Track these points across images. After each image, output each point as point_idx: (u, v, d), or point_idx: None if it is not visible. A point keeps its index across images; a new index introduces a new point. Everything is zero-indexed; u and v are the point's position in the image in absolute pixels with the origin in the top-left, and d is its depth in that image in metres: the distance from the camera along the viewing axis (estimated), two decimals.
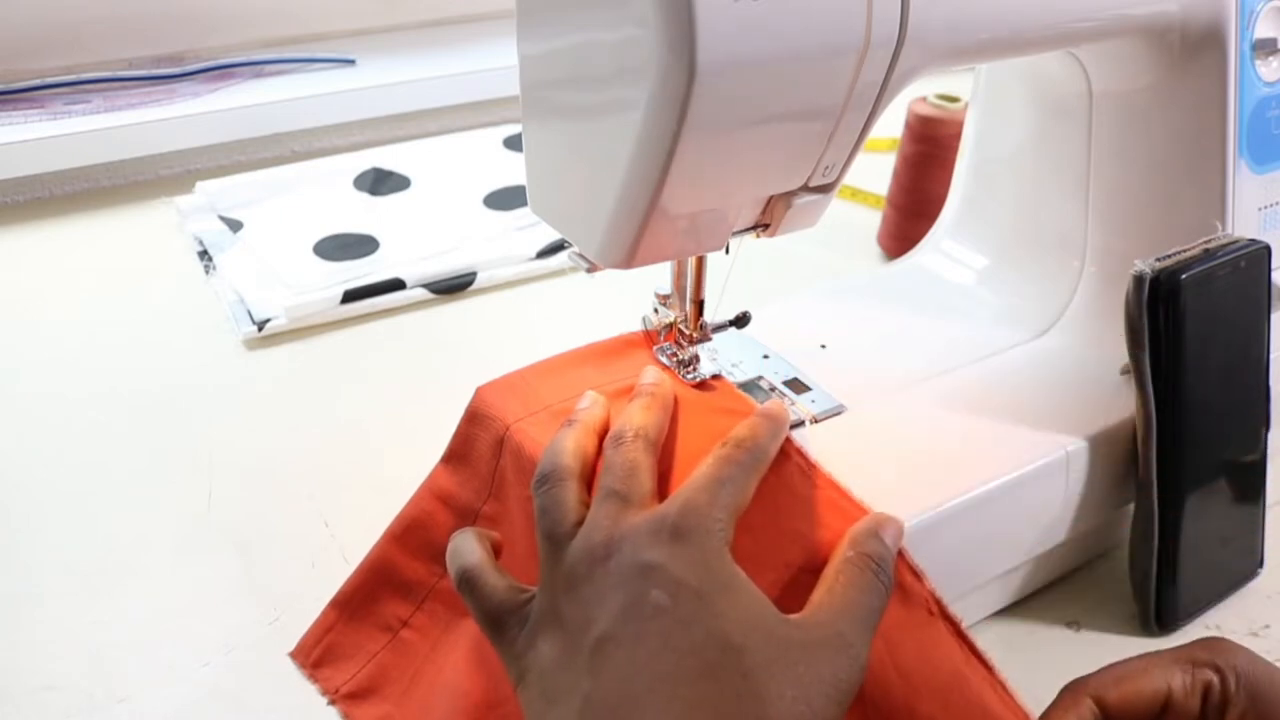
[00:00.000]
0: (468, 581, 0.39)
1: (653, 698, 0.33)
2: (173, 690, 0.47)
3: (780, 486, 0.42)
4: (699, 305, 0.48)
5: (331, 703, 0.46)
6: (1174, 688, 0.38)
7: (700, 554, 0.36)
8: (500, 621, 0.38)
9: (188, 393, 0.66)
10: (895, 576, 0.39)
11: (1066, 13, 0.46)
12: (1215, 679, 0.38)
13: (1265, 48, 0.53)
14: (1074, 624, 0.51)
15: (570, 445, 0.41)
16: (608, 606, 0.35)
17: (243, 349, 0.71)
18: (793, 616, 0.36)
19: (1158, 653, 0.39)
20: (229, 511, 0.56)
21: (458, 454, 0.47)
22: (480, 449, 0.46)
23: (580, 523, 0.38)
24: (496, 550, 0.41)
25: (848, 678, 0.35)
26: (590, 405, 0.44)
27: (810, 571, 0.39)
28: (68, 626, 0.50)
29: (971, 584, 0.47)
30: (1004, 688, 0.41)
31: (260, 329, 0.71)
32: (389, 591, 0.48)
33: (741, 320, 0.49)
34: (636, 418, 0.42)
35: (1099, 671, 0.39)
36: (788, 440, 0.43)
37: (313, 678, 0.47)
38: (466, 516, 0.46)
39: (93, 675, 0.47)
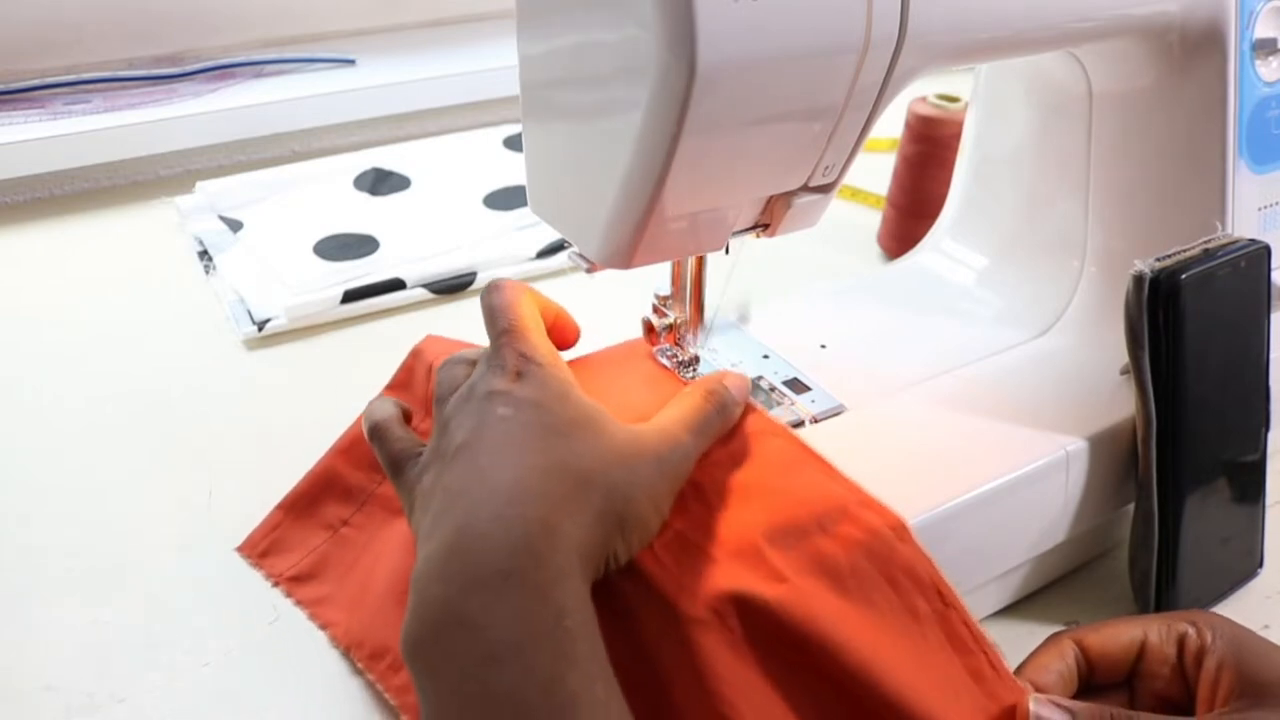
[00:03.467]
0: (377, 432, 0.44)
1: (493, 469, 0.38)
2: (173, 690, 0.47)
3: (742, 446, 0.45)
4: (699, 310, 0.48)
5: (275, 584, 0.52)
6: (1149, 635, 0.42)
7: (541, 381, 0.41)
8: (399, 465, 0.43)
9: (188, 393, 0.66)
10: (888, 571, 0.41)
11: (1066, 13, 0.46)
12: (1191, 630, 0.41)
13: (1265, 48, 0.53)
14: (1074, 624, 0.51)
15: (470, 350, 0.47)
16: (465, 426, 0.40)
17: (243, 349, 0.71)
18: (627, 425, 0.42)
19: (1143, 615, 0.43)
20: (229, 511, 0.56)
21: (400, 382, 0.54)
22: (418, 377, 0.53)
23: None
24: (407, 417, 0.47)
25: (673, 459, 0.41)
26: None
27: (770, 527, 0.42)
28: (68, 626, 0.50)
29: (971, 584, 0.47)
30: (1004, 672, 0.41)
31: (260, 329, 0.71)
32: (332, 496, 0.53)
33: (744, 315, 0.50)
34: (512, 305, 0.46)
35: (1087, 625, 0.43)
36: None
37: (258, 565, 0.53)
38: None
39: (93, 675, 0.47)
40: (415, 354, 0.53)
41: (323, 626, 0.49)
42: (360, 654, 0.47)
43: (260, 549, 0.53)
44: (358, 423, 0.53)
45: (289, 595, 0.51)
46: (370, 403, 0.47)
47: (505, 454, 0.38)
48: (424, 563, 0.37)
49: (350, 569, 0.51)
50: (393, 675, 0.46)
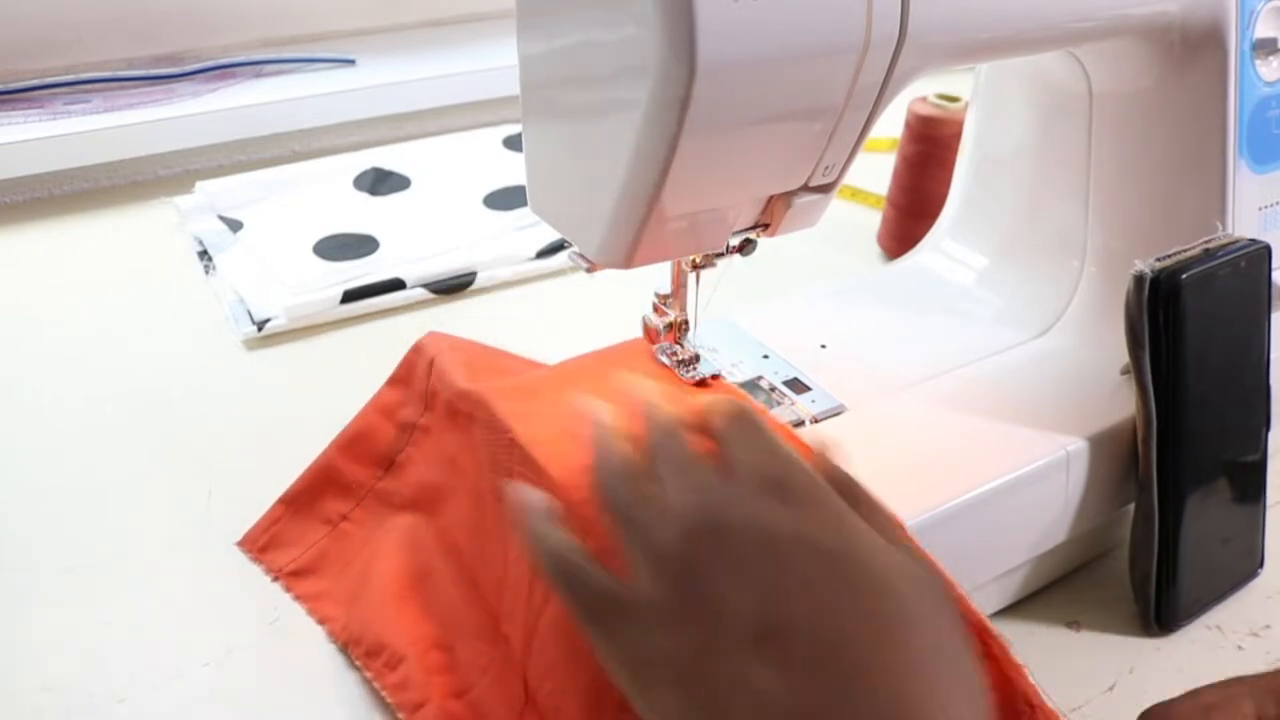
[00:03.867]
0: (565, 570, 0.36)
1: (865, 682, 0.30)
2: (173, 690, 0.47)
3: None
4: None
5: (275, 579, 0.52)
6: (1264, 708, 0.37)
7: (817, 508, 0.34)
8: (602, 613, 0.35)
9: (187, 393, 0.66)
10: None
11: (1066, 13, 0.46)
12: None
13: (1265, 47, 0.53)
14: (1074, 624, 0.51)
15: (617, 445, 0.39)
16: (751, 584, 0.32)
17: (243, 349, 0.71)
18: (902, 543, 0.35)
19: (1240, 678, 0.38)
20: (229, 511, 0.56)
21: (400, 378, 0.53)
22: (418, 372, 0.52)
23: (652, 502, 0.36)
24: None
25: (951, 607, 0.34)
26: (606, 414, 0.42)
27: None
28: (68, 626, 0.50)
29: (971, 584, 0.47)
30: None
31: (260, 329, 0.71)
32: (332, 492, 0.53)
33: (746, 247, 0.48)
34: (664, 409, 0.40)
35: (1183, 699, 0.38)
36: None
37: (258, 560, 0.53)
38: (406, 429, 0.52)
39: (93, 675, 0.47)
40: (416, 349, 0.53)
41: (320, 621, 0.50)
42: (357, 651, 0.47)
43: (260, 544, 0.53)
44: (359, 418, 0.54)
45: (288, 590, 0.51)
46: (538, 525, 0.37)
47: (861, 646, 0.31)
48: None
49: (349, 564, 0.51)
50: (388, 673, 0.45)
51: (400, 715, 0.44)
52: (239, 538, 0.54)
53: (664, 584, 0.33)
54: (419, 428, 0.52)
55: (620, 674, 0.34)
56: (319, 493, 0.54)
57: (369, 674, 0.46)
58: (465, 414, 0.48)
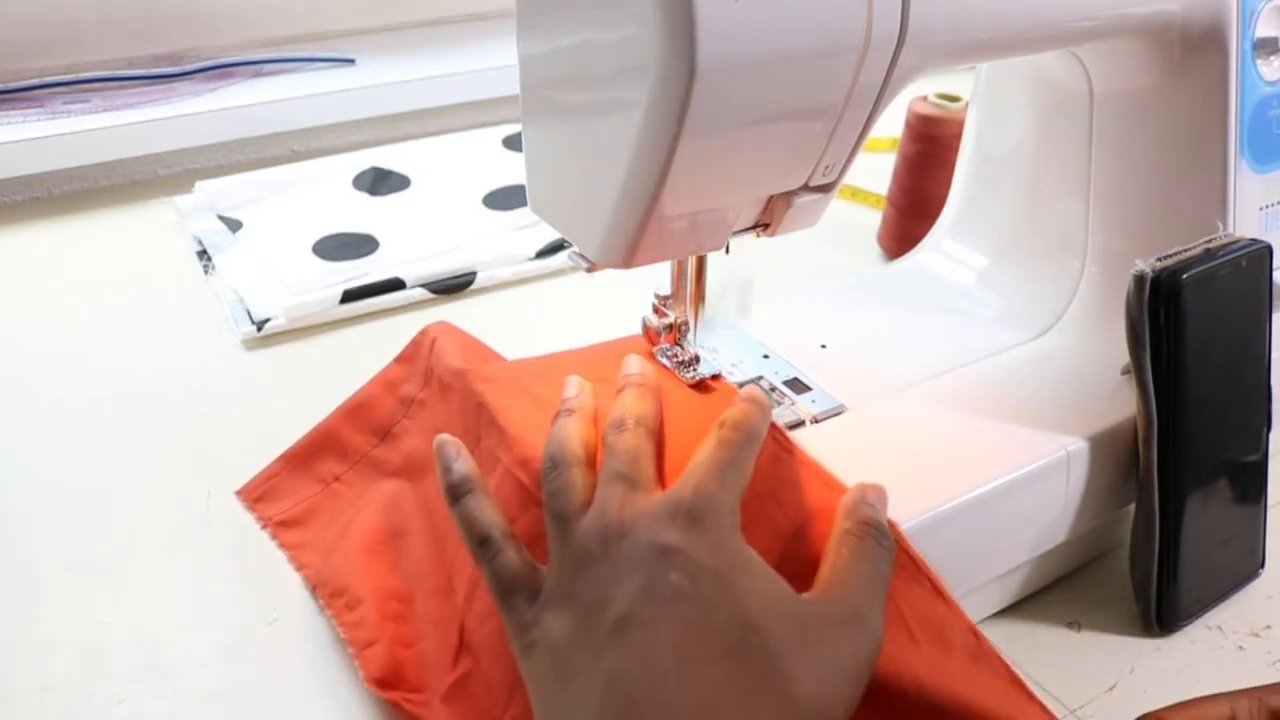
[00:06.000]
0: (487, 548, 0.40)
1: (679, 677, 0.33)
2: (173, 690, 0.47)
3: (766, 467, 0.43)
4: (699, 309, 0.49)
5: (264, 527, 0.54)
6: (1238, 712, 0.38)
7: (716, 537, 0.36)
8: (510, 591, 0.39)
9: (187, 393, 0.66)
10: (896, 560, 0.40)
11: (1067, 12, 0.46)
12: None
13: (1266, 47, 0.53)
14: (1074, 624, 0.51)
15: (574, 433, 0.42)
16: (625, 587, 0.35)
17: (242, 349, 0.71)
18: (807, 596, 0.37)
19: (1242, 690, 0.40)
20: (228, 511, 0.56)
21: (407, 356, 0.56)
22: (421, 352, 0.55)
23: (588, 504, 0.39)
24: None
25: (866, 653, 0.36)
26: (580, 393, 0.45)
27: (801, 545, 0.41)
28: (68, 626, 0.50)
29: (972, 584, 0.47)
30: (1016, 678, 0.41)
31: (259, 329, 0.71)
32: (330, 454, 0.56)
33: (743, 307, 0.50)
34: (634, 406, 0.43)
35: (1174, 708, 0.40)
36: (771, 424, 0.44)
37: (252, 509, 0.55)
38: (405, 402, 0.55)
39: (93, 675, 0.47)
40: (424, 332, 0.56)
41: (299, 568, 0.52)
42: (324, 592, 0.50)
43: (255, 494, 0.56)
44: (364, 389, 0.56)
45: (274, 538, 0.54)
46: (470, 505, 0.41)
47: (690, 658, 0.34)
48: None
49: (334, 520, 0.53)
50: (347, 612, 0.48)
51: (350, 650, 0.46)
52: (238, 541, 0.54)
53: (563, 572, 0.38)
54: (416, 402, 0.54)
55: (514, 643, 0.38)
56: (317, 453, 0.56)
57: (329, 612, 0.49)
58: (449, 386, 0.51)
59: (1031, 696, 0.39)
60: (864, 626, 0.37)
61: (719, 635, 0.34)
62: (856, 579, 0.38)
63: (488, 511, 0.41)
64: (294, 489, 0.56)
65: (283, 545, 0.53)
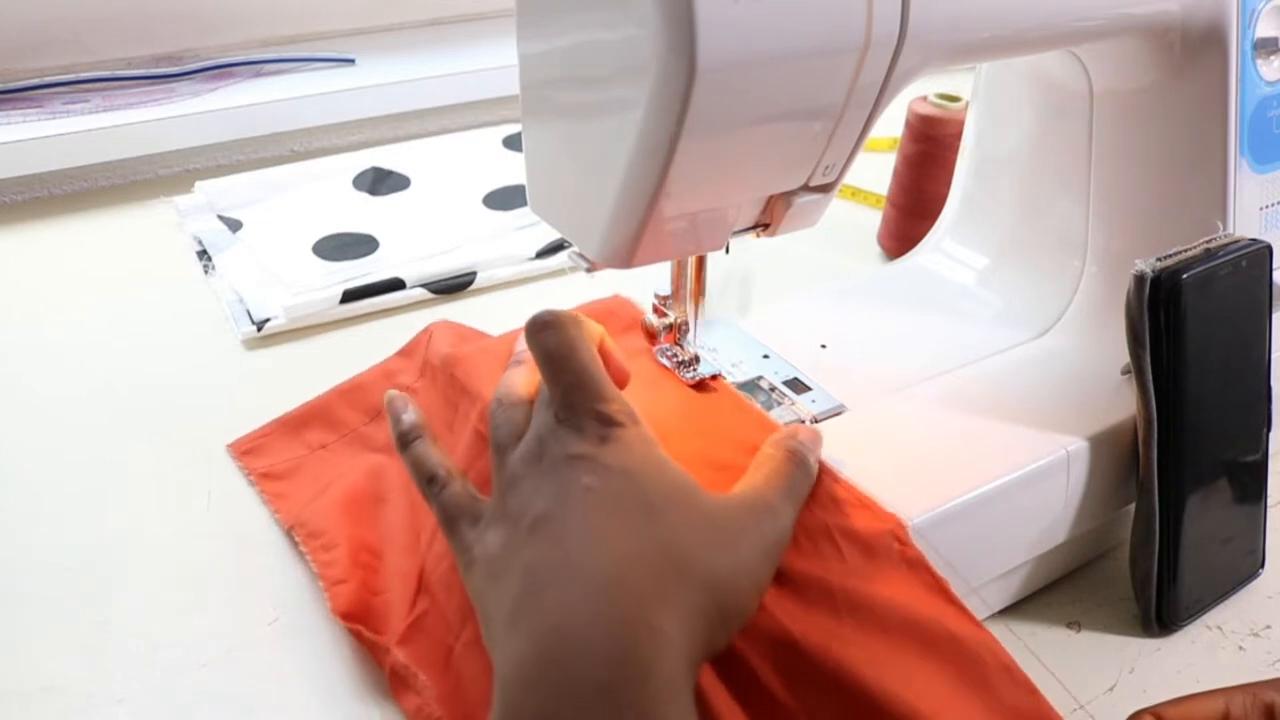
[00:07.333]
0: (434, 484, 0.42)
1: (586, 553, 0.36)
2: (173, 690, 0.47)
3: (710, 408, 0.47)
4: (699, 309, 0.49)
5: (248, 475, 0.58)
6: (1233, 707, 0.39)
7: (625, 444, 0.39)
8: (455, 519, 0.41)
9: (187, 392, 0.66)
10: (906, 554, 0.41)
11: (1067, 12, 0.46)
12: (1279, 699, 0.38)
13: (1266, 47, 0.53)
14: (1074, 624, 0.51)
15: (521, 379, 0.45)
16: (543, 493, 0.38)
17: (242, 349, 0.71)
18: (719, 494, 0.40)
19: (1239, 685, 0.40)
20: (228, 511, 0.56)
21: (408, 350, 0.61)
22: (420, 346, 0.60)
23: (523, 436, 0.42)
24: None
25: (774, 536, 0.39)
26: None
27: (728, 475, 0.43)
28: (68, 626, 0.50)
29: (972, 584, 0.47)
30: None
31: (259, 329, 0.71)
32: (321, 425, 0.60)
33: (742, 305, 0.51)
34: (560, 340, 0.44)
35: (1168, 704, 0.40)
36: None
37: (239, 460, 0.59)
38: (400, 389, 0.55)
39: (93, 675, 0.47)
40: (426, 330, 0.60)
41: (275, 512, 0.55)
42: (301, 533, 0.52)
43: (245, 449, 0.59)
44: (363, 374, 0.60)
45: (256, 485, 0.57)
46: (417, 449, 0.44)
47: (596, 536, 0.36)
48: (514, 666, 0.35)
49: (315, 479, 0.57)
50: (323, 552, 0.51)
51: (320, 584, 0.49)
52: (238, 542, 0.54)
53: (498, 494, 0.40)
54: (410, 389, 0.58)
55: (460, 567, 0.41)
56: (309, 422, 0.60)
57: (305, 549, 0.52)
58: (436, 369, 0.55)
59: (953, 599, 0.41)
60: (772, 513, 0.40)
61: (625, 517, 0.37)
62: (770, 481, 0.41)
63: (434, 454, 0.43)
64: (282, 449, 0.59)
65: (264, 493, 0.56)
